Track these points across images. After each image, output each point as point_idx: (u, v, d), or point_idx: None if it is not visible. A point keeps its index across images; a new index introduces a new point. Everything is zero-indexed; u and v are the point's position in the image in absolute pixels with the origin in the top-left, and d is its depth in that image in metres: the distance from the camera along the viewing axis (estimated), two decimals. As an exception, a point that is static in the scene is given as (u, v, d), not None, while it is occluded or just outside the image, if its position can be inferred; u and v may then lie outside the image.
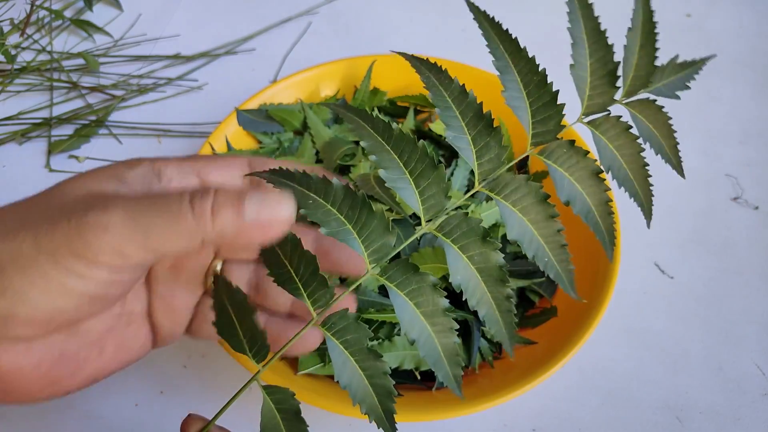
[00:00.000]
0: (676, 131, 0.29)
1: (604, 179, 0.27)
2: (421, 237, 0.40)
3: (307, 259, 0.26)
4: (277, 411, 0.26)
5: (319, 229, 0.26)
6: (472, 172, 0.42)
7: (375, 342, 0.38)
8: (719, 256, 0.49)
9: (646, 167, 0.28)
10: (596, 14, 0.27)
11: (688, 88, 0.29)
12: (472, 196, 0.31)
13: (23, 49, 0.60)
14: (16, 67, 0.58)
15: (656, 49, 0.28)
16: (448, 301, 0.27)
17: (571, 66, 0.27)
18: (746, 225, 0.51)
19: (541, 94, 0.27)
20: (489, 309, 0.27)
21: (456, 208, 0.27)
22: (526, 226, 0.27)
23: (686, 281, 0.48)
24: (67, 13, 0.64)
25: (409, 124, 0.48)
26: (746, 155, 0.56)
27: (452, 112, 0.27)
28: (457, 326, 0.27)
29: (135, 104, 0.57)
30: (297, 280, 0.26)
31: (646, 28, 0.28)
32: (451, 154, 0.46)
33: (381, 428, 0.26)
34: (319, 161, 0.47)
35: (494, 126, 0.27)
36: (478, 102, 0.27)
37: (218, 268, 0.31)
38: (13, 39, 0.60)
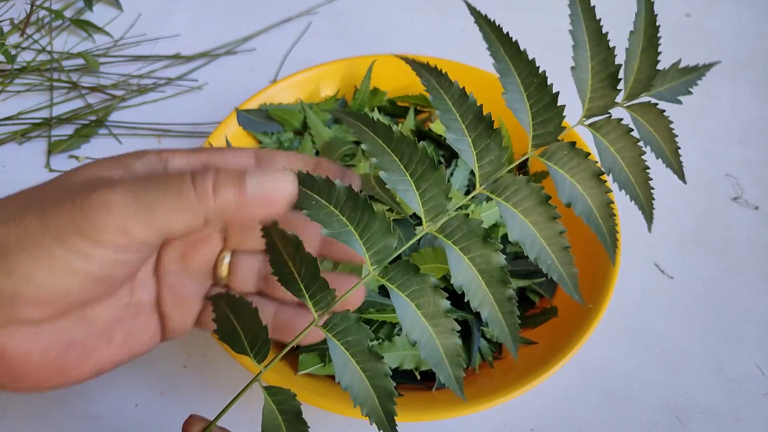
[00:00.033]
0: (677, 135, 0.29)
1: (605, 181, 0.27)
2: (420, 238, 0.40)
3: (309, 262, 0.26)
4: (278, 412, 0.26)
5: (321, 230, 0.27)
6: (472, 172, 0.42)
7: (375, 342, 0.38)
8: (719, 256, 0.50)
9: (647, 170, 0.28)
10: (598, 17, 0.27)
11: (690, 93, 0.29)
12: (473, 197, 0.31)
13: (23, 49, 0.60)
14: (16, 67, 0.58)
15: (658, 53, 0.28)
16: (449, 301, 0.27)
17: (572, 68, 0.27)
18: (746, 225, 0.51)
19: (542, 96, 0.27)
20: (491, 311, 0.27)
21: (456, 208, 0.27)
22: (528, 227, 0.27)
23: (686, 281, 0.48)
24: (67, 13, 0.64)
25: (409, 124, 0.48)
26: (746, 155, 0.56)
27: (453, 114, 0.27)
28: (459, 327, 0.27)
29: (135, 104, 0.57)
30: (299, 281, 0.26)
31: (648, 32, 0.28)
32: (451, 154, 0.46)
33: (381, 430, 0.26)
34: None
35: (494, 128, 0.27)
36: (479, 104, 0.27)
37: (227, 260, 0.31)
38: (13, 39, 0.60)
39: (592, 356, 0.43)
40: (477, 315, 0.39)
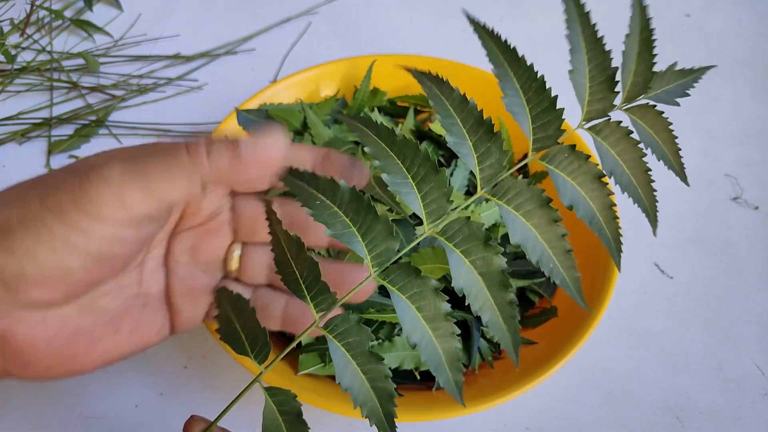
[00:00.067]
0: (677, 137, 0.29)
1: (607, 183, 0.27)
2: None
3: (310, 265, 0.26)
4: (279, 413, 0.26)
5: (325, 231, 0.27)
6: (472, 173, 0.42)
7: (375, 342, 0.38)
8: (719, 256, 0.50)
9: (649, 172, 0.28)
10: (594, 21, 0.27)
11: (687, 95, 0.29)
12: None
13: (23, 49, 0.60)
14: (16, 67, 0.58)
15: (654, 55, 0.28)
16: (450, 304, 0.27)
17: (570, 72, 0.27)
18: (746, 225, 0.51)
19: (540, 100, 0.27)
20: (492, 315, 0.27)
21: (455, 208, 0.28)
22: (529, 231, 0.27)
23: (686, 281, 0.48)
24: (67, 13, 0.64)
25: (409, 124, 0.48)
26: (746, 155, 0.56)
27: (454, 119, 0.27)
28: (459, 331, 0.27)
29: (135, 104, 0.57)
30: (301, 283, 0.26)
31: (643, 35, 0.28)
32: (451, 154, 0.46)
33: (381, 431, 0.26)
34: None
35: (494, 131, 0.27)
36: (479, 109, 0.27)
37: (237, 252, 0.32)
38: (13, 39, 0.60)
39: (592, 356, 0.43)
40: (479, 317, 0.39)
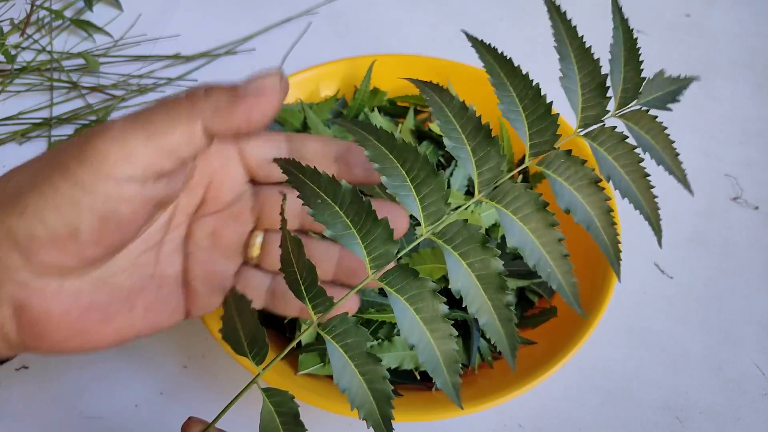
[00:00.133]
0: (674, 141, 0.29)
1: (604, 188, 0.27)
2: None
3: (308, 268, 0.26)
4: (276, 414, 0.26)
5: (325, 232, 0.27)
6: (472, 173, 0.42)
7: (375, 342, 0.38)
8: (719, 256, 0.50)
9: (647, 177, 0.28)
10: (581, 34, 0.28)
11: (677, 101, 0.29)
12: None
13: (23, 49, 0.60)
14: (16, 67, 0.58)
15: (641, 62, 0.29)
16: (447, 305, 0.27)
17: (561, 79, 0.28)
18: (746, 225, 0.51)
19: (536, 107, 0.27)
20: (489, 318, 0.27)
21: (456, 208, 0.28)
22: (527, 235, 0.27)
23: (686, 281, 0.48)
24: (67, 13, 0.64)
25: (409, 124, 0.48)
26: (746, 155, 0.56)
27: (453, 125, 0.27)
28: (456, 333, 0.27)
29: (135, 104, 0.57)
30: (301, 283, 0.27)
31: (627, 44, 0.29)
32: (451, 155, 0.46)
33: None
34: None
35: (492, 136, 0.27)
36: (477, 115, 0.28)
37: (259, 239, 0.32)
38: (13, 39, 0.60)
39: (592, 356, 0.43)
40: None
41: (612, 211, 0.27)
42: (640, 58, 0.29)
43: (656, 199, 0.28)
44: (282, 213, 0.27)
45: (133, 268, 0.29)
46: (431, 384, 0.39)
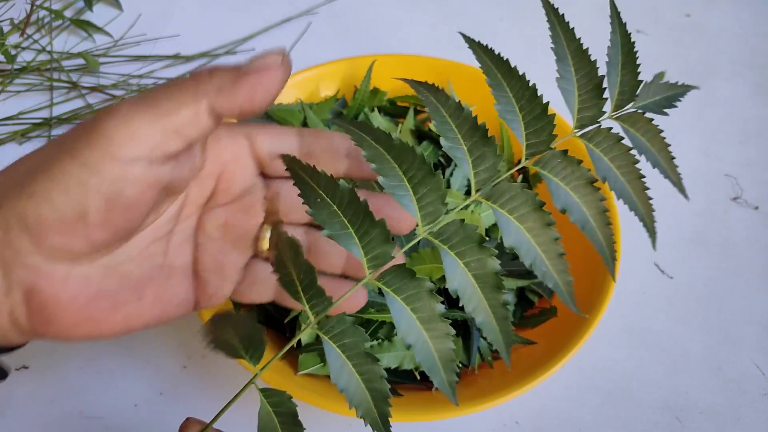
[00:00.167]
0: (670, 144, 0.29)
1: (599, 189, 0.28)
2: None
3: (307, 268, 0.26)
4: (274, 414, 0.26)
5: (322, 232, 0.27)
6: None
7: (375, 342, 0.38)
8: (719, 256, 0.50)
9: (642, 179, 0.28)
10: (579, 36, 0.28)
11: (674, 106, 0.30)
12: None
13: (23, 49, 0.60)
14: (16, 67, 0.58)
15: (637, 65, 0.29)
16: (447, 305, 0.27)
17: (558, 79, 0.28)
18: (746, 225, 0.51)
19: (533, 107, 0.27)
20: (486, 316, 0.27)
21: (455, 208, 0.28)
22: (523, 234, 0.27)
23: (686, 281, 0.48)
24: (67, 13, 0.64)
25: (409, 124, 0.48)
26: (746, 155, 0.56)
27: (449, 126, 0.27)
28: (453, 332, 0.27)
29: (135, 104, 0.57)
30: (297, 285, 0.27)
31: (625, 48, 0.29)
32: (451, 155, 0.46)
33: (376, 431, 0.26)
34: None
35: (489, 136, 0.27)
36: (474, 115, 0.28)
37: (269, 232, 0.32)
38: (13, 39, 0.60)
39: (592, 356, 0.43)
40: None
41: (607, 211, 0.27)
42: (638, 61, 0.29)
43: (652, 201, 0.28)
44: (272, 214, 0.27)
45: (142, 257, 0.29)
46: (431, 384, 0.39)
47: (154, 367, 0.43)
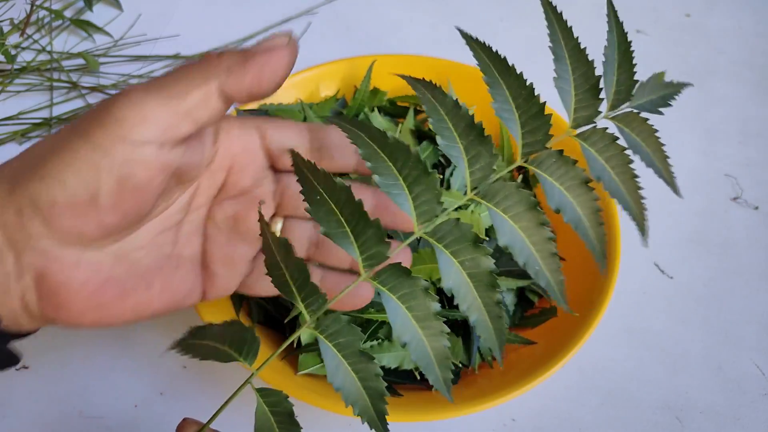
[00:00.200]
0: (664, 144, 0.29)
1: (593, 189, 0.28)
2: (420, 239, 0.40)
3: (299, 266, 0.26)
4: (270, 414, 0.26)
5: (319, 230, 0.27)
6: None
7: (375, 342, 0.38)
8: (719, 256, 0.50)
9: (636, 179, 0.28)
10: (577, 35, 0.28)
11: (669, 105, 0.30)
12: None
13: (23, 49, 0.60)
14: (16, 67, 0.58)
15: (634, 65, 0.29)
16: (447, 305, 0.27)
17: (555, 79, 0.28)
18: (746, 225, 0.51)
19: (529, 106, 0.27)
20: (480, 315, 0.27)
21: (456, 208, 0.28)
22: (517, 233, 0.27)
23: (686, 281, 0.48)
24: (67, 13, 0.64)
25: (408, 123, 0.48)
26: (746, 155, 0.56)
27: (445, 123, 0.28)
28: (448, 329, 0.27)
29: (135, 104, 0.57)
30: (291, 284, 0.27)
31: (621, 47, 0.29)
32: (451, 154, 0.46)
33: (373, 429, 0.27)
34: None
35: (485, 135, 0.28)
36: (471, 113, 0.28)
37: (278, 225, 0.33)
38: (13, 39, 0.60)
39: (592, 356, 0.43)
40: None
41: (600, 210, 0.28)
42: (634, 61, 0.29)
43: (652, 202, 0.28)
44: (261, 218, 0.27)
45: (151, 246, 0.30)
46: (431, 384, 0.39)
47: (155, 367, 0.43)
